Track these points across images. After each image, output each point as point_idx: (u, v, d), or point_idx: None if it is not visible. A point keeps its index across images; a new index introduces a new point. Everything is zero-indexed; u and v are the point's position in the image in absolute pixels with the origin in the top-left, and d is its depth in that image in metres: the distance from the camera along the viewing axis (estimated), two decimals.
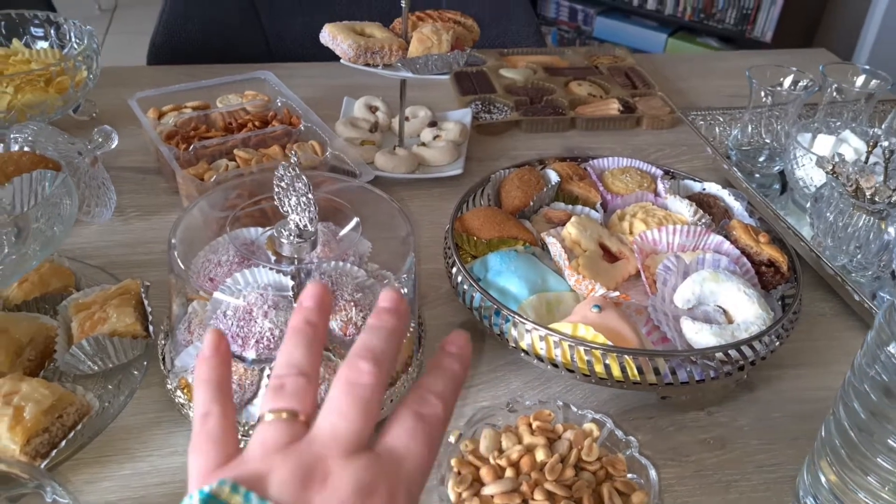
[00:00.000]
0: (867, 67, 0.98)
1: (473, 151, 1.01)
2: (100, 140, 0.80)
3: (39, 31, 1.00)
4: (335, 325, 0.60)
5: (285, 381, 0.34)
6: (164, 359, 0.65)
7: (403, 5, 0.88)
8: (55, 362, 0.65)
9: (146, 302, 0.67)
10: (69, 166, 0.79)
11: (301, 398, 0.34)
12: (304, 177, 0.58)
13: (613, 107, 1.09)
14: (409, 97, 0.95)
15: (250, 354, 0.58)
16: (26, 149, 0.65)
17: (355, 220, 0.65)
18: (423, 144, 0.98)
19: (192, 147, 0.85)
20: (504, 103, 1.09)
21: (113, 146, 0.81)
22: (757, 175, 0.99)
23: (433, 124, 1.02)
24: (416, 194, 0.93)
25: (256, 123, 0.92)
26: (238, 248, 0.62)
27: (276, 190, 0.60)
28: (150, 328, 0.66)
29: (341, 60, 0.87)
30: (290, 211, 0.60)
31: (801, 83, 0.96)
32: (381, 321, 0.36)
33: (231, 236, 0.66)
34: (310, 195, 0.58)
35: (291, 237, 0.61)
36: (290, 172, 0.58)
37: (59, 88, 0.90)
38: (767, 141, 0.99)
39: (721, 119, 1.05)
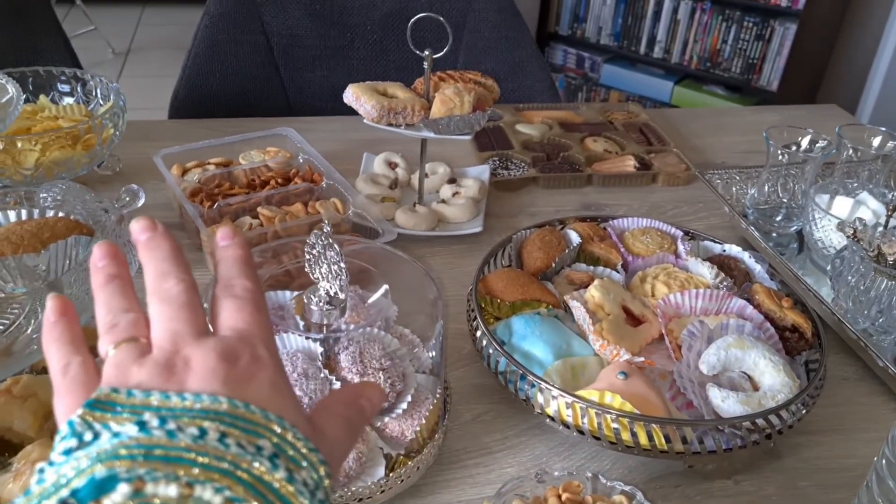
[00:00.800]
0: (883, 129, 0.99)
1: (492, 208, 1.02)
2: (127, 199, 0.81)
3: (66, 87, 1.02)
4: None
5: (116, 321, 0.34)
6: None
7: (426, 66, 0.90)
8: None
9: None
10: (96, 225, 0.80)
11: (136, 328, 0.34)
12: (335, 245, 0.58)
13: (629, 163, 1.11)
14: (427, 153, 0.96)
15: None
16: (60, 214, 0.66)
17: (384, 287, 0.66)
18: (443, 201, 0.99)
19: (216, 205, 0.86)
20: (521, 159, 1.11)
21: (139, 204, 0.82)
22: (774, 234, 0.99)
23: (452, 181, 1.03)
24: (437, 251, 0.94)
25: (279, 180, 0.93)
26: (278, 325, 0.62)
27: (308, 257, 0.60)
28: None
29: (364, 120, 0.89)
30: (320, 278, 0.60)
31: (819, 144, 0.97)
32: (151, 247, 0.37)
33: None
34: (341, 263, 0.59)
35: (321, 304, 0.61)
36: (321, 241, 0.59)
37: (85, 146, 0.91)
38: (784, 200, 0.99)
39: (738, 177, 1.06)
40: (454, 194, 1.00)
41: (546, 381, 0.65)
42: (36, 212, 0.66)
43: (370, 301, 0.66)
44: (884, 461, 0.55)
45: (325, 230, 0.58)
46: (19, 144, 0.86)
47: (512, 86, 1.36)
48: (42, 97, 1.01)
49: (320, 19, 1.29)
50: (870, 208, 0.91)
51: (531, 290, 0.76)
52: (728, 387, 0.68)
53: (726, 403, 0.66)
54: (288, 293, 0.67)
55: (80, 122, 0.92)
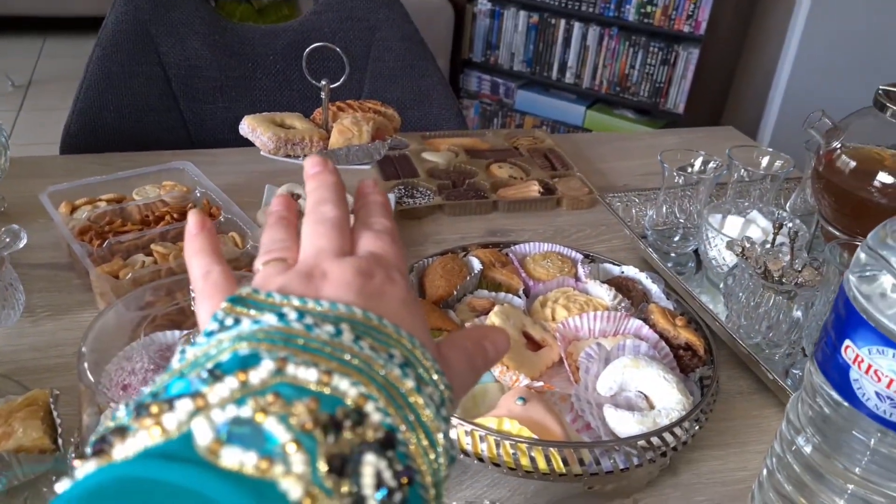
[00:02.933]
0: (770, 149, 1.03)
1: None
2: (7, 240, 0.78)
3: None
4: None
5: (272, 246, 0.36)
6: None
7: (323, 96, 0.89)
8: None
9: (55, 413, 0.64)
10: None
11: (287, 252, 0.36)
12: None
13: (534, 189, 1.12)
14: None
15: None
16: None
17: None
18: None
19: (106, 243, 0.83)
20: (427, 187, 1.11)
21: (21, 246, 0.78)
22: (673, 254, 1.02)
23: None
24: None
25: (175, 216, 0.90)
26: (151, 356, 0.60)
27: (193, 294, 0.58)
28: (60, 441, 0.63)
29: (262, 152, 0.87)
30: None
31: (711, 164, 1.00)
32: (317, 180, 0.39)
33: (145, 342, 0.64)
34: None
35: None
36: None
37: None
38: (681, 221, 1.02)
39: (637, 200, 1.09)
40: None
41: None
42: None
43: None
44: (767, 475, 0.57)
45: None
46: None
47: (418, 114, 1.37)
48: None
49: (220, 50, 1.27)
50: (759, 226, 0.95)
51: (432, 320, 0.76)
52: (626, 407, 0.69)
53: (622, 424, 0.67)
54: (178, 332, 0.65)
55: None
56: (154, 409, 0.24)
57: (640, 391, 0.71)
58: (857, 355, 0.44)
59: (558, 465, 0.63)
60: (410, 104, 1.35)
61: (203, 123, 1.29)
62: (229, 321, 0.30)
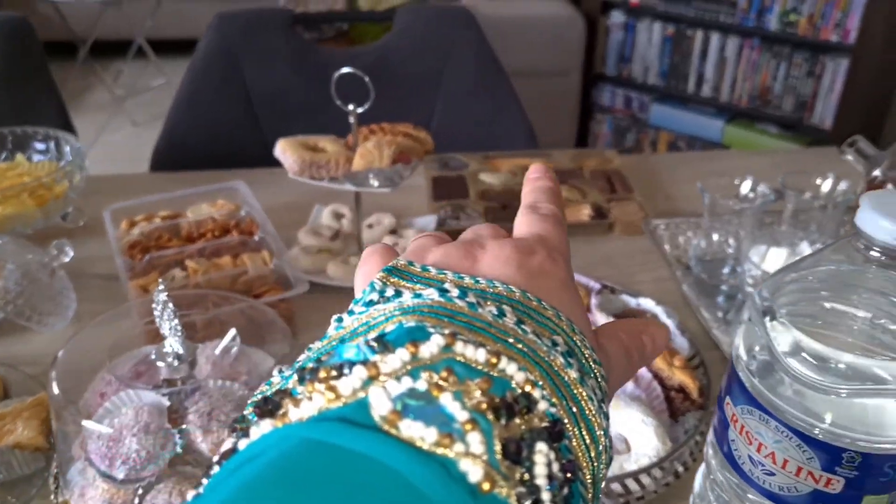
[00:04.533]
0: (832, 175, 0.94)
1: None
2: (55, 253, 0.87)
3: (42, 146, 1.10)
4: (205, 445, 0.62)
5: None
6: (56, 474, 0.67)
7: (352, 121, 0.92)
8: None
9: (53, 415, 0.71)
10: (25, 277, 0.85)
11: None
12: (170, 304, 0.61)
13: (585, 212, 1.09)
14: (379, 202, 0.98)
15: (118, 474, 0.60)
16: None
17: (232, 331, 0.67)
18: None
19: (146, 258, 0.90)
20: (474, 209, 1.11)
21: (66, 260, 0.87)
22: (724, 287, 0.95)
23: (393, 231, 1.04)
24: None
25: (216, 233, 0.96)
26: (118, 378, 0.64)
27: (156, 313, 0.63)
28: (52, 441, 0.69)
29: (289, 174, 0.91)
30: (166, 334, 0.63)
31: (759, 189, 0.93)
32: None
33: (129, 355, 0.69)
34: (176, 321, 0.61)
35: (170, 359, 0.63)
36: (161, 298, 0.61)
37: (39, 201, 0.97)
38: (730, 251, 0.95)
39: (684, 227, 1.03)
40: (395, 245, 1.01)
41: None
42: None
43: (217, 349, 0.67)
44: None
45: (160, 288, 0.61)
46: None
47: (488, 132, 1.37)
48: (19, 155, 1.09)
49: (302, 73, 1.34)
50: None
51: None
52: None
53: None
54: (149, 348, 0.69)
55: (32, 181, 0.99)
56: (322, 373, 0.23)
57: (620, 434, 0.67)
58: (734, 413, 0.40)
59: None
60: (481, 123, 1.35)
61: None
62: (390, 292, 0.29)
